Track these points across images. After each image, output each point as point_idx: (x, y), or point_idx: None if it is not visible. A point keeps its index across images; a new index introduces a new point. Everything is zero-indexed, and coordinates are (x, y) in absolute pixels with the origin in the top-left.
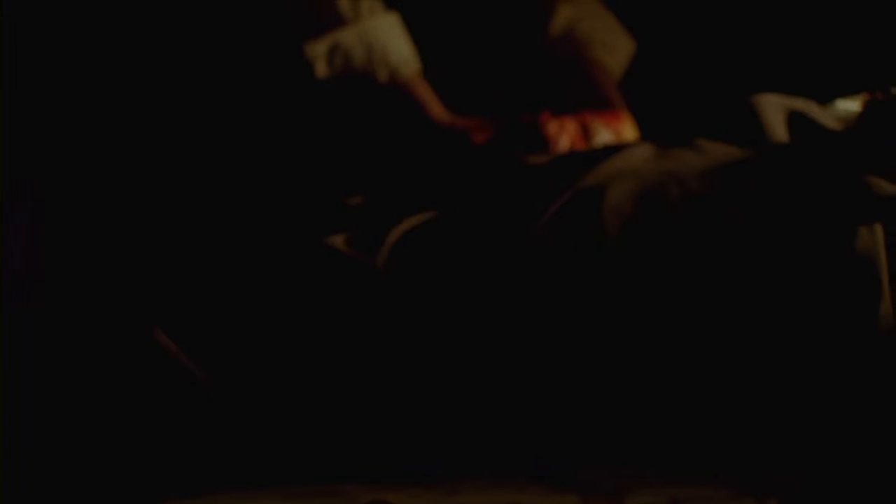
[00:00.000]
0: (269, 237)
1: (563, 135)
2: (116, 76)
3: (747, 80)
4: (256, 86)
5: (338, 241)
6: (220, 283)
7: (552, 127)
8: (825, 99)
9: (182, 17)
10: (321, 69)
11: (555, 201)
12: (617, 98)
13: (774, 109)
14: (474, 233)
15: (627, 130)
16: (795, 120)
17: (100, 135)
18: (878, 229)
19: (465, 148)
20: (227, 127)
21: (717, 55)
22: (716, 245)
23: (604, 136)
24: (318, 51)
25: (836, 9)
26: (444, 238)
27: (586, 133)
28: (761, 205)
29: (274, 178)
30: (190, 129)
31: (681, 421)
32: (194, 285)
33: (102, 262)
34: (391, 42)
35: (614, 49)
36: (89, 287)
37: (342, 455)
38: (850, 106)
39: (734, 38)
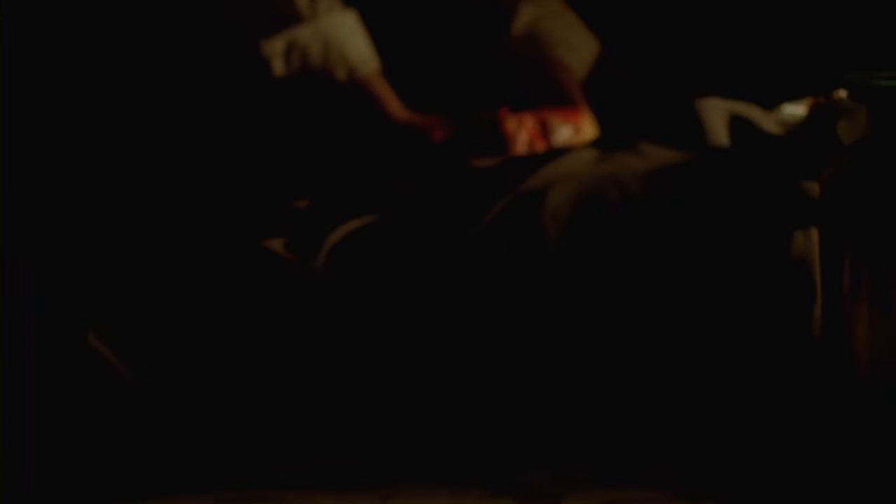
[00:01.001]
0: (207, 239)
1: (522, 132)
2: (56, 66)
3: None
4: (208, 83)
5: (276, 244)
6: (157, 286)
7: (511, 124)
8: (773, 103)
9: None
10: (278, 67)
11: (496, 205)
12: (579, 97)
13: (717, 113)
14: (414, 236)
15: (587, 128)
16: (737, 124)
17: (30, 129)
18: (814, 234)
19: (424, 146)
20: (172, 124)
21: (668, 59)
22: (653, 248)
23: (563, 133)
24: (274, 48)
25: (784, 13)
26: (383, 241)
27: (545, 130)
28: (698, 208)
29: (219, 179)
30: (130, 125)
31: (618, 423)
32: (130, 287)
33: (35, 264)
34: (349, 40)
35: (577, 48)
36: (21, 289)
37: (275, 459)
38: (796, 110)
39: (685, 42)
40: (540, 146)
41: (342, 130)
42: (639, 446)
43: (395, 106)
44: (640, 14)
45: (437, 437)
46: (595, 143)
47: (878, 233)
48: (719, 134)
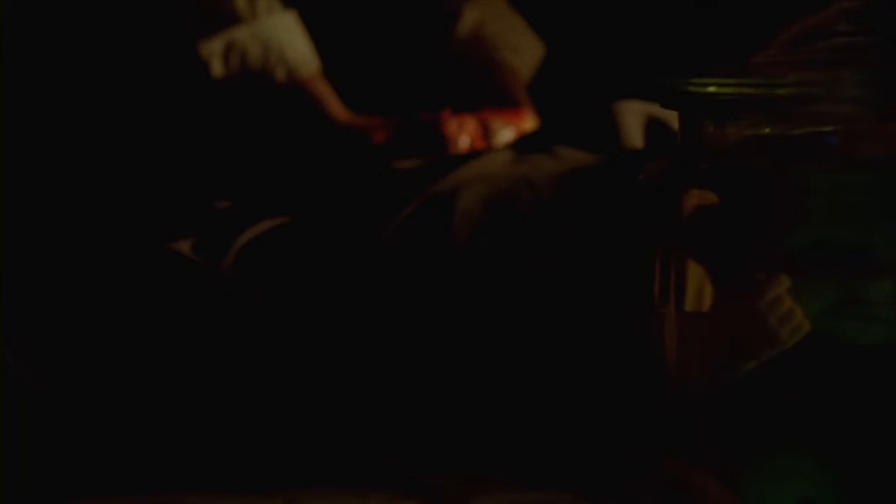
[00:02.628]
0: (116, 243)
1: (463, 134)
2: None
3: (621, 85)
4: (146, 84)
5: (184, 245)
6: (66, 290)
7: (452, 126)
8: None
9: (70, 13)
10: (217, 68)
11: (408, 206)
12: (523, 98)
13: (633, 116)
14: (325, 237)
15: (530, 129)
16: (653, 126)
17: None
18: None
19: (365, 147)
20: (94, 126)
21: (594, 60)
22: (563, 249)
23: (505, 135)
24: (213, 49)
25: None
26: (293, 242)
27: (486, 132)
28: (607, 210)
29: (136, 181)
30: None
31: (525, 426)
32: (38, 289)
33: None
34: (289, 40)
35: (522, 51)
36: None
37: (177, 463)
38: None
39: (610, 43)
40: (481, 147)
41: (282, 131)
42: (544, 449)
43: (335, 107)
44: (581, 16)
45: (343, 441)
46: (513, 146)
47: (682, 235)
48: (635, 136)
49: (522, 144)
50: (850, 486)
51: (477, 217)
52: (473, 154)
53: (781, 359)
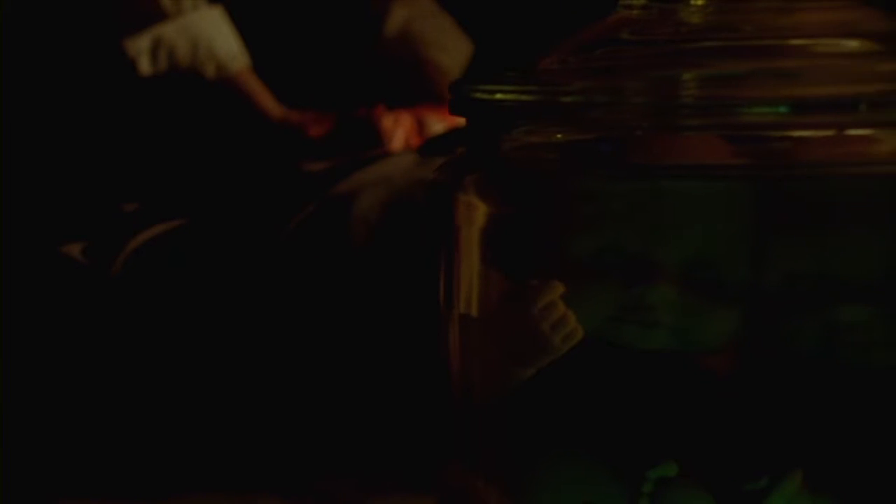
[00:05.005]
0: (8, 245)
1: (398, 129)
2: None
3: None
4: (63, 84)
5: (73, 249)
6: None
7: (387, 121)
8: None
9: None
10: (144, 66)
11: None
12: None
13: None
14: (219, 241)
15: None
16: None
17: None
18: None
19: (300, 142)
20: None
21: (520, 59)
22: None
23: (439, 130)
24: (139, 47)
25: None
26: (186, 245)
27: (421, 128)
28: None
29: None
30: None
31: (421, 427)
32: None
33: None
34: (217, 36)
35: (450, 49)
36: None
37: (51, 466)
38: None
39: (539, 42)
40: (416, 143)
41: (214, 129)
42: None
43: (268, 102)
44: (510, 15)
45: (233, 444)
46: (419, 149)
47: (460, 240)
48: None
49: (427, 148)
50: (632, 493)
51: (374, 220)
52: (375, 157)
53: (564, 365)
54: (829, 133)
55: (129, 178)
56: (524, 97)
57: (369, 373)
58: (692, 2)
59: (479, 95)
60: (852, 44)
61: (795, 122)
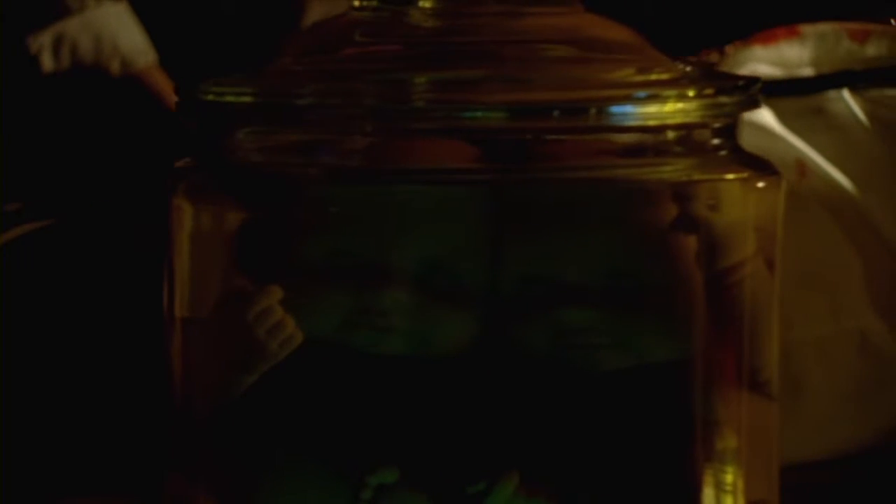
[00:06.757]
0: None
1: None
2: None
3: None
4: None
5: None
6: None
7: None
8: None
9: None
10: (47, 62)
11: None
12: None
13: None
14: (89, 240)
15: None
16: None
17: None
18: None
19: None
20: None
21: None
22: None
23: None
24: (42, 43)
25: None
26: (52, 245)
27: None
28: None
29: None
30: None
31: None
32: None
33: None
34: (121, 31)
35: None
36: None
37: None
38: None
39: None
40: None
41: (119, 125)
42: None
43: (174, 99)
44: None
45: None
46: None
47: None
48: None
49: None
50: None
51: None
52: None
53: (288, 370)
54: (556, 138)
55: (12, 177)
56: (255, 99)
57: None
58: (422, 4)
59: (208, 98)
60: (578, 50)
61: (523, 127)
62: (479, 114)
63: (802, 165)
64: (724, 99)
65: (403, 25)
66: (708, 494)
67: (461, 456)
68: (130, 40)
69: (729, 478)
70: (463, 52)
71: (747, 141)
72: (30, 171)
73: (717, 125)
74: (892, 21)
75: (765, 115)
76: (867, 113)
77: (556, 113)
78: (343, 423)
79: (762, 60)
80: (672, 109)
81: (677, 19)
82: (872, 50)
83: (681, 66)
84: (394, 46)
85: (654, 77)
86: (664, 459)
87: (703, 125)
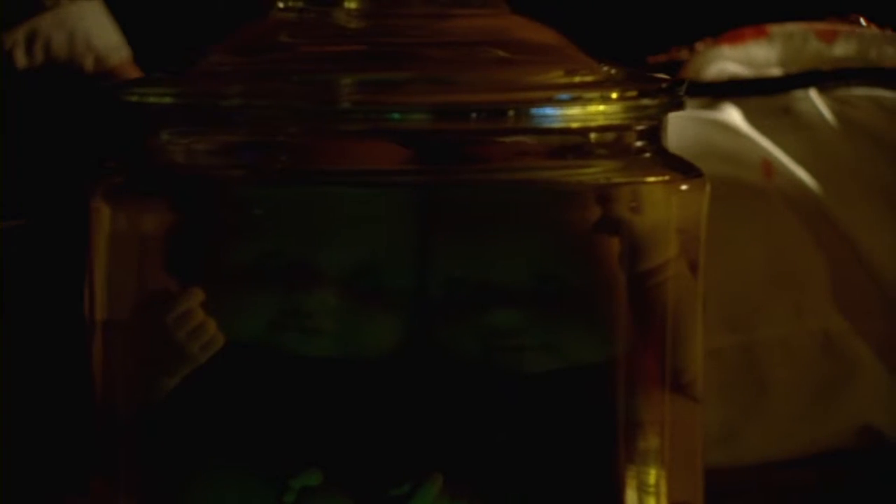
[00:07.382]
0: None
1: None
2: None
3: None
4: None
5: None
6: None
7: None
8: None
9: None
10: (20, 59)
11: None
12: None
13: None
14: (60, 240)
15: None
16: None
17: None
18: None
19: None
20: None
21: None
22: None
23: None
24: (15, 39)
25: None
26: (24, 245)
27: None
28: None
29: None
30: None
31: None
32: None
33: None
34: (95, 28)
35: None
36: None
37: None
38: None
39: None
40: None
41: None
42: None
43: None
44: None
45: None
46: None
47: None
48: None
49: None
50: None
51: None
52: None
53: (211, 373)
54: (482, 140)
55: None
56: (179, 100)
57: None
58: (347, 5)
59: (131, 98)
60: (503, 52)
61: (446, 128)
62: (403, 115)
63: (769, 165)
64: (647, 101)
65: (329, 26)
66: (631, 496)
67: (385, 458)
68: (104, 37)
69: (652, 479)
70: (388, 54)
71: (714, 140)
72: (0, 169)
73: (640, 127)
74: (861, 20)
75: (732, 115)
76: (834, 113)
77: (476, 114)
78: (267, 426)
79: (730, 59)
80: (595, 111)
81: (650, 16)
82: (840, 50)
83: (606, 68)
84: (319, 47)
85: (577, 79)
86: (588, 461)
87: (626, 127)
